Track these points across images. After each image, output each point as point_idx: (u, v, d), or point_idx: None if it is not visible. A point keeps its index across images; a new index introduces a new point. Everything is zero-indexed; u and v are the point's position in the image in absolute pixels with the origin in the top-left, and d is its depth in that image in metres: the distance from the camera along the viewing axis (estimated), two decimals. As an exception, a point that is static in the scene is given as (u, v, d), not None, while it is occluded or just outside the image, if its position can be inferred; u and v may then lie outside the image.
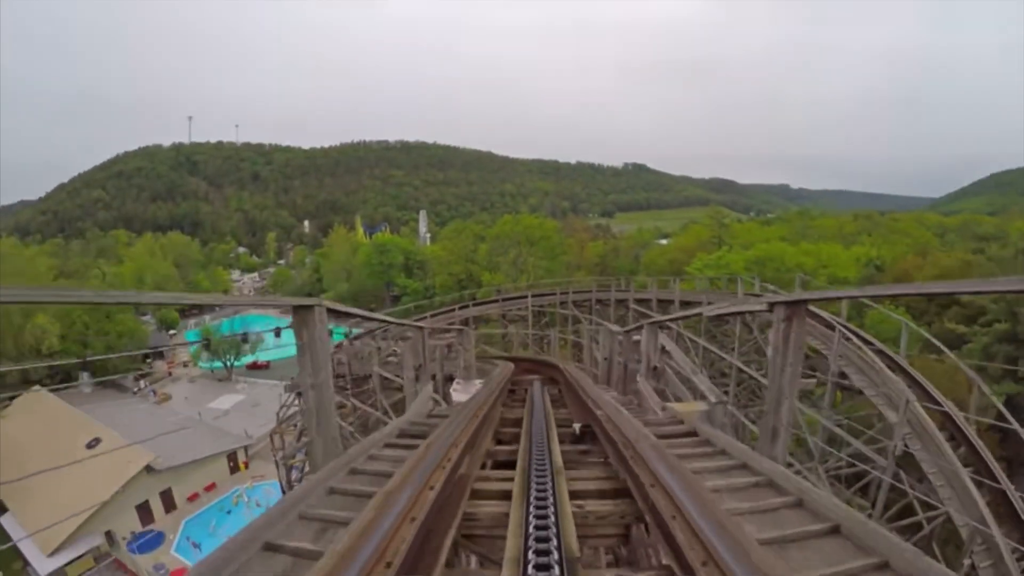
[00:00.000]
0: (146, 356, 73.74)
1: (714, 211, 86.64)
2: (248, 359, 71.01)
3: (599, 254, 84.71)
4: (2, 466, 40.18)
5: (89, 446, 39.78)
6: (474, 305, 34.52)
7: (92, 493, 35.09)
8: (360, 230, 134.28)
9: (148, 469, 38.00)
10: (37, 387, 53.97)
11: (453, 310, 33.58)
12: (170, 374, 70.62)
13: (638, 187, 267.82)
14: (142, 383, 65.76)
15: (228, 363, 70.04)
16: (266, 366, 70.92)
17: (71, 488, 35.64)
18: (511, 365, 16.06)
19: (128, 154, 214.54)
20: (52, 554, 33.92)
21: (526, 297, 35.22)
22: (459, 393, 12.42)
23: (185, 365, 73.58)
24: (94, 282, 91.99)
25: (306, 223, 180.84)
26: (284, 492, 18.96)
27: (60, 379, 60.92)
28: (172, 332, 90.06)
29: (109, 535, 36.12)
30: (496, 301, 35.39)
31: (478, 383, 12.96)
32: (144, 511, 38.16)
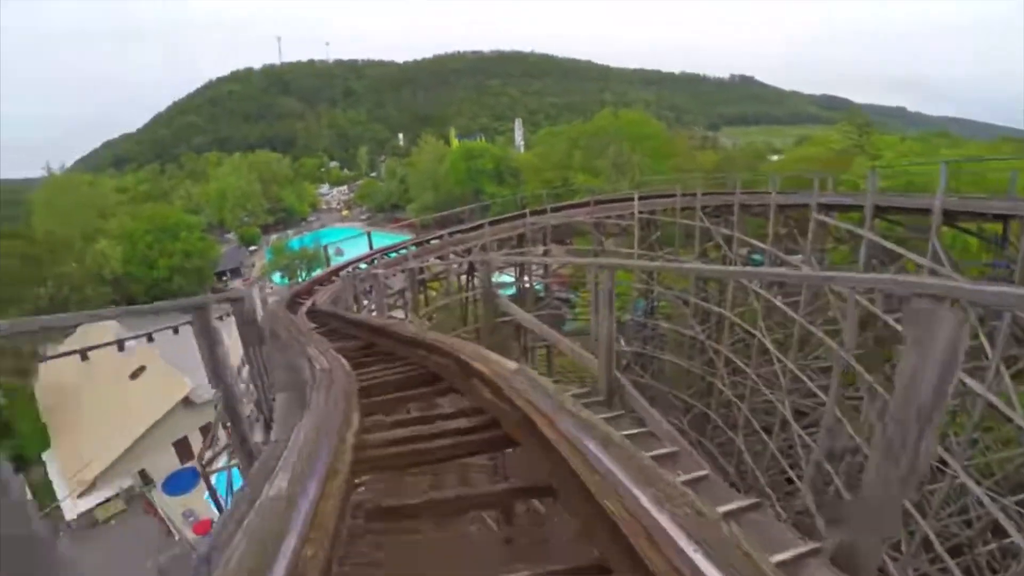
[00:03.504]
0: (222, 274, 72.57)
1: (857, 116, 72.84)
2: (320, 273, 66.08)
3: (712, 163, 73.91)
4: (51, 397, 40.03)
5: (133, 376, 36.85)
6: (554, 210, 25.65)
7: (129, 428, 32.21)
8: (454, 141, 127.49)
9: (186, 402, 33.56)
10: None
11: (524, 215, 24.91)
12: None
13: (745, 100, 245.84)
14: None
15: (301, 279, 65.71)
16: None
17: (109, 422, 33.27)
18: None
19: (220, 79, 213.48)
20: (81, 494, 30.89)
21: (631, 199, 25.71)
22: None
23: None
24: (180, 202, 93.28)
25: (400, 136, 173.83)
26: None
27: (125, 302, 59.36)
28: (253, 248, 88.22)
29: (143, 474, 32.67)
30: (586, 205, 26.37)
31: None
32: (183, 448, 33.90)
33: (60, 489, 32.65)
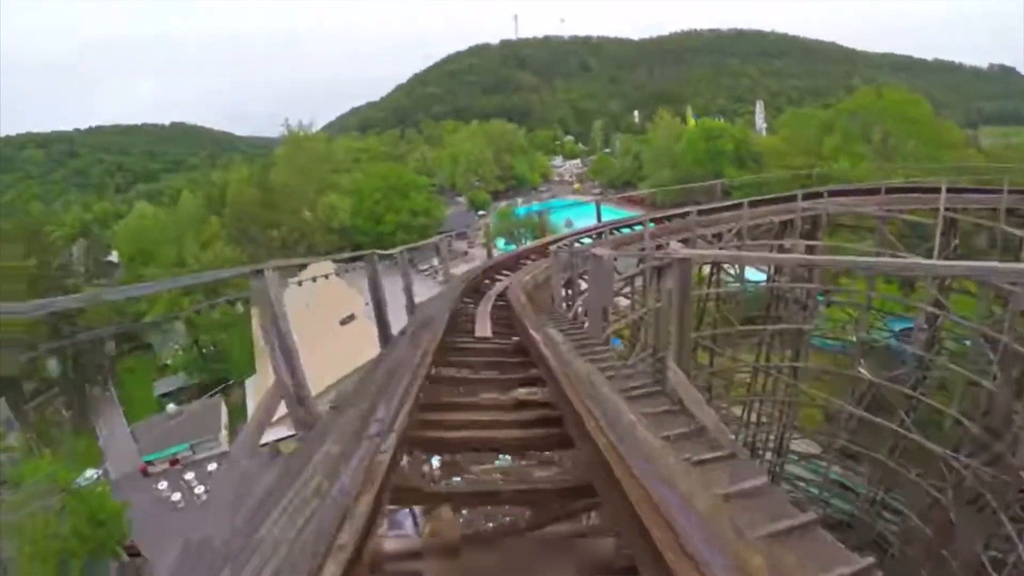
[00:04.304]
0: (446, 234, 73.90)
1: None
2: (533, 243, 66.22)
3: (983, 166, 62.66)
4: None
5: (343, 322, 38.67)
6: (832, 195, 20.76)
7: (325, 373, 31.70)
8: (691, 121, 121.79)
9: None
10: (325, 258, 55.53)
11: (793, 197, 20.36)
12: (465, 253, 68.80)
13: (1007, 95, 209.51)
14: (435, 260, 64.24)
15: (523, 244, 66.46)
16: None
17: (311, 364, 33.90)
18: None
19: (459, 54, 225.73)
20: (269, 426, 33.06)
21: (936, 191, 19.65)
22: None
23: (484, 246, 70.91)
24: (414, 164, 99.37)
25: (635, 113, 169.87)
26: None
27: (350, 251, 63.17)
28: (481, 213, 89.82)
29: (331, 418, 33.77)
30: (874, 192, 21.08)
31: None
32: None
33: (252, 411, 35.39)
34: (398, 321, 9.58)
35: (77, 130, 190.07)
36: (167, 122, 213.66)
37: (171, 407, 44.37)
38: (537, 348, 5.24)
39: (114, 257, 71.71)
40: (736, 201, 20.39)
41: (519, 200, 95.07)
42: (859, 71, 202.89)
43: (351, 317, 37.79)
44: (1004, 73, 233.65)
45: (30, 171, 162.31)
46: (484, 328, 8.54)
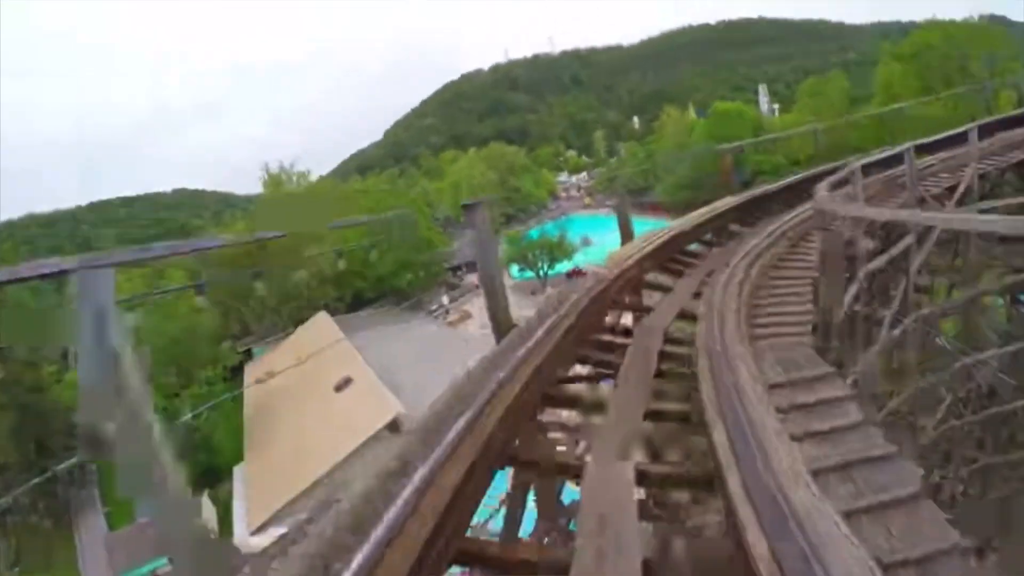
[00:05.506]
0: (456, 268, 68.37)
1: None
2: (566, 266, 59.11)
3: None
4: (254, 404, 37.52)
5: (338, 388, 31.92)
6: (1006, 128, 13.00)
7: (322, 452, 27.29)
8: (693, 117, 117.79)
9: (392, 427, 26.71)
10: (323, 312, 50.86)
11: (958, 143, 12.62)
12: (477, 286, 62.90)
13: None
14: (445, 298, 60.73)
15: (541, 272, 59.83)
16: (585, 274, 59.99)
17: (303, 441, 29.22)
18: None
19: (451, 83, 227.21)
20: (256, 532, 26.24)
21: None
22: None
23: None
24: (416, 199, 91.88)
25: (635, 119, 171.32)
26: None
27: (350, 301, 58.48)
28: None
29: (332, 511, 26.74)
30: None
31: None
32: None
33: (239, 509, 29.47)
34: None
35: (79, 206, 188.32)
36: (169, 189, 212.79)
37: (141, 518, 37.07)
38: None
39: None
40: (959, 130, 12.34)
41: (531, 222, 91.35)
42: (853, 44, 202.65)
43: (347, 380, 31.57)
44: (995, 22, 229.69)
45: (37, 251, 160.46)
46: None
